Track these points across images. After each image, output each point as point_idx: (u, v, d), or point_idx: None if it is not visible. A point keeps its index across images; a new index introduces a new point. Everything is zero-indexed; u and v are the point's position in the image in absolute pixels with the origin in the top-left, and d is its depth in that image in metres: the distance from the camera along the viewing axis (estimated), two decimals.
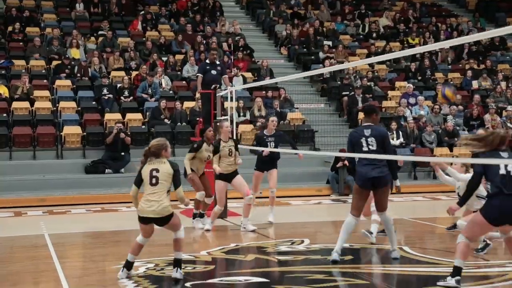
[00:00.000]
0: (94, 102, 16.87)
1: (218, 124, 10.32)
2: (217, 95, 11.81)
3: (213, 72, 12.27)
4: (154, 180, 6.70)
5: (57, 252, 8.53)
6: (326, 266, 7.70)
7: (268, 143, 10.69)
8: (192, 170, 10.28)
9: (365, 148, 7.46)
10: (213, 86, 11.91)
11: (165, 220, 6.76)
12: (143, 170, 6.80)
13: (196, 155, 10.24)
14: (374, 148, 7.42)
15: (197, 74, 12.76)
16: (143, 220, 6.80)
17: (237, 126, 15.22)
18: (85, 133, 15.62)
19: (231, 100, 11.76)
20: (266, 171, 10.86)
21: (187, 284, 6.73)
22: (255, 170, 10.90)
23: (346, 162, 14.91)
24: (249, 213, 10.12)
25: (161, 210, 6.68)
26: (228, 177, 9.87)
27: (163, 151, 6.81)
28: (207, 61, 12.78)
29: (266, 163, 10.78)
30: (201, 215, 10.49)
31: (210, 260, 8.04)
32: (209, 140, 10.27)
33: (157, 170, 6.71)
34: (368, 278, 7.01)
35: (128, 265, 7.00)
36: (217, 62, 12.72)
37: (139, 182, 6.82)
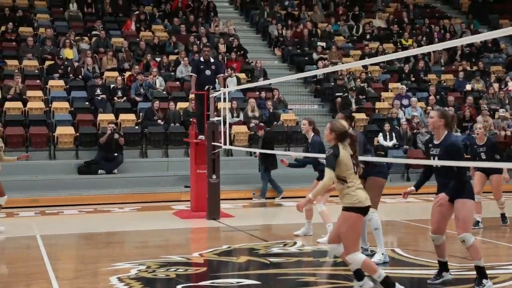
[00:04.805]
0: (87, 103, 16.82)
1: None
2: (210, 96, 11.79)
3: (207, 72, 12.08)
4: (356, 168, 5.94)
5: (49, 253, 8.49)
6: (318, 268, 7.72)
7: None
8: None
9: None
10: (207, 87, 11.86)
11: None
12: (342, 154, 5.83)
13: None
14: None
15: (191, 74, 12.57)
16: (365, 210, 5.97)
17: (230, 127, 15.25)
18: (78, 134, 15.58)
19: (224, 101, 11.75)
20: None
21: (178, 286, 6.72)
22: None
23: None
24: None
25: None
26: None
27: None
28: (201, 59, 12.48)
29: None
30: None
31: (202, 262, 8.03)
32: None
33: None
34: None
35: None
36: (212, 60, 12.46)
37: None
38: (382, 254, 7.75)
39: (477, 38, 5.43)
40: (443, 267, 6.68)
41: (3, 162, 10.58)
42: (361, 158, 7.66)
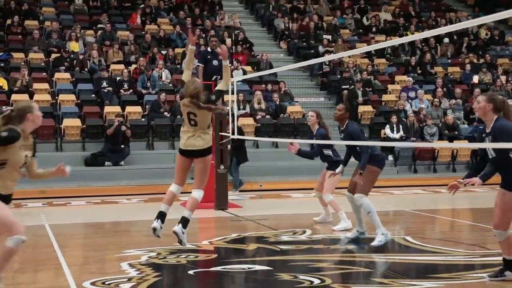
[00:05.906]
0: (93, 95, 16.83)
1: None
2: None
3: (215, 62, 12.06)
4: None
5: (58, 241, 8.50)
6: (328, 255, 7.70)
7: None
8: None
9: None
10: (214, 77, 11.83)
11: None
12: None
13: None
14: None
15: (198, 64, 12.54)
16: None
17: (237, 119, 15.21)
18: (84, 126, 15.59)
19: (232, 92, 11.71)
20: None
21: (190, 272, 6.72)
22: None
23: None
24: None
25: None
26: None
27: None
28: (208, 49, 12.49)
29: None
30: None
31: (212, 249, 8.02)
32: None
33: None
34: (369, 266, 6.99)
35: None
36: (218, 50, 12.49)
37: None
38: (382, 234, 7.85)
39: (473, 23, 5.38)
40: (506, 265, 6.05)
41: None
42: (362, 143, 7.78)
